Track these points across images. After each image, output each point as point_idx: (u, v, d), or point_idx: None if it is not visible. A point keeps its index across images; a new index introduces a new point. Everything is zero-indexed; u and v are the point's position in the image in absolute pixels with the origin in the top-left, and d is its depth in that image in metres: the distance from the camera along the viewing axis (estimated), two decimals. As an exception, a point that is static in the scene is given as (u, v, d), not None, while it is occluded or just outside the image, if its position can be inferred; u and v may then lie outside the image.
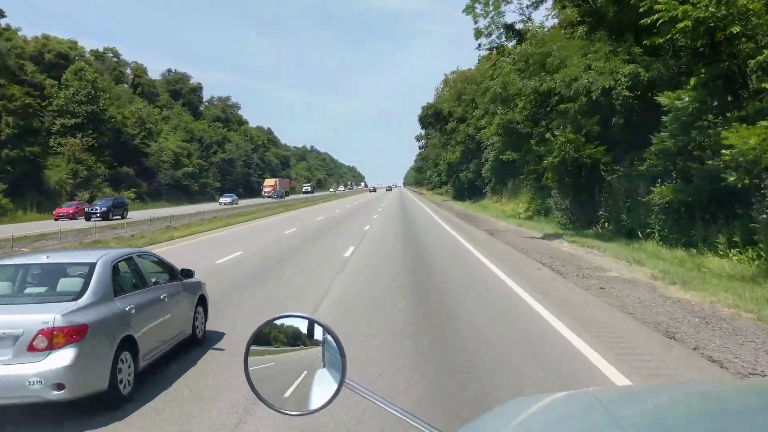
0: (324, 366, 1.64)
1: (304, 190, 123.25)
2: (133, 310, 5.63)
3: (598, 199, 20.52)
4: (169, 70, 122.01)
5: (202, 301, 7.45)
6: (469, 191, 55.07)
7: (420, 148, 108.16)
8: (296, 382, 1.64)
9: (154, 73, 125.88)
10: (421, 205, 49.68)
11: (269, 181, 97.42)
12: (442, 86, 53.94)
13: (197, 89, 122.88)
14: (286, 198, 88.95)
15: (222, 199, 72.39)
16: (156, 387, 5.57)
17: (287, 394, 1.62)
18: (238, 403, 4.98)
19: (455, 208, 43.77)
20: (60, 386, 4.63)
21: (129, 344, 5.38)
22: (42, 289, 5.61)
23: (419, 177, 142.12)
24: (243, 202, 71.99)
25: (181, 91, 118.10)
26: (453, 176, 59.79)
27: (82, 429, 4.64)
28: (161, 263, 7.03)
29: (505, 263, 13.18)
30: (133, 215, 43.97)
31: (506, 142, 32.29)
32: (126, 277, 6.10)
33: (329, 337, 1.64)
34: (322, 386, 1.60)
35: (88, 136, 62.40)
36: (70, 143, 57.91)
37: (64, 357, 4.68)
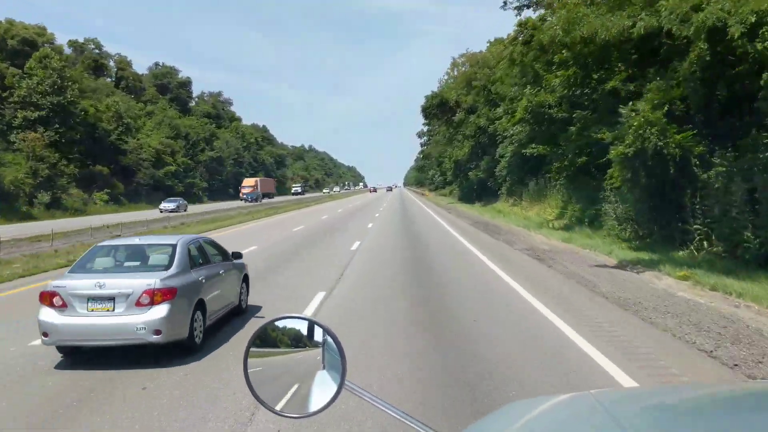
0: (324, 368, 1.62)
1: (293, 191, 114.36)
2: (203, 280, 7.42)
3: (690, 206, 14.16)
4: (156, 64, 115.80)
5: (246, 279, 9.24)
6: (478, 192, 48.67)
7: (422, 145, 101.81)
8: (296, 385, 1.63)
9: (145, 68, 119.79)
10: (426, 210, 43.28)
11: (248, 181, 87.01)
12: (449, 70, 47.59)
13: (186, 84, 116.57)
14: (271, 200, 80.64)
15: (163, 205, 54.51)
16: (217, 341, 7.38)
17: (287, 396, 1.61)
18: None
19: (466, 213, 37.38)
20: (158, 332, 6.40)
21: (200, 305, 7.14)
22: (137, 263, 7.33)
23: (420, 177, 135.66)
24: (215, 206, 62.23)
25: (168, 86, 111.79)
26: (460, 175, 53.38)
27: (170, 366, 6.38)
28: (217, 246, 8.80)
29: (637, 361, 6.04)
30: (72, 222, 36.87)
31: (534, 132, 25.91)
32: (196, 256, 7.70)
33: (329, 339, 1.62)
34: (322, 388, 1.58)
35: (52, 131, 55.98)
36: (29, 138, 51.43)
37: (161, 311, 6.43)
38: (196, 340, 6.95)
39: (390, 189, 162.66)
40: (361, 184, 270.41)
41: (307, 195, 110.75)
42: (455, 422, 4.50)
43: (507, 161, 35.82)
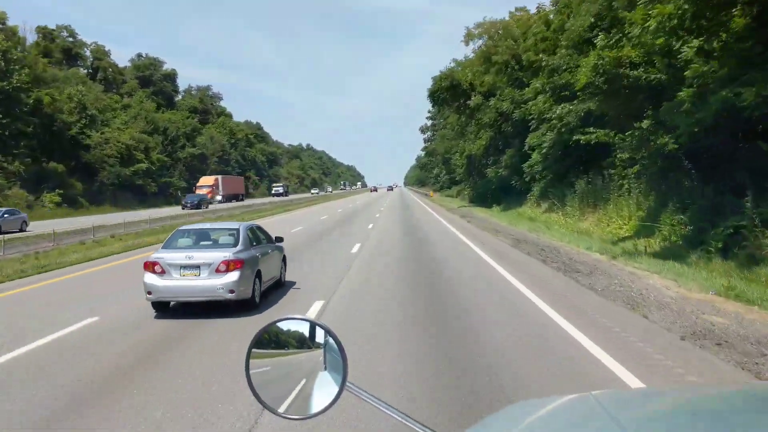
0: (325, 369, 1.62)
1: (273, 191, 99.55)
2: (259, 256, 9.76)
3: None
4: (139, 55, 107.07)
5: (284, 259, 11.73)
6: (496, 194, 40.05)
7: (425, 141, 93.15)
8: (298, 386, 1.63)
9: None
10: (435, 218, 34.61)
11: (206, 180, 71.82)
12: (463, 41, 38.89)
13: (171, 76, 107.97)
14: (240, 203, 65.47)
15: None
16: (269, 303, 9.77)
17: (289, 397, 1.61)
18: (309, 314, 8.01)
19: (490, 221, 28.81)
20: (232, 291, 8.69)
21: (258, 274, 9.43)
22: (210, 242, 9.67)
23: (423, 176, 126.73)
24: (155, 212, 42.83)
25: (151, 78, 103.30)
26: (473, 173, 44.72)
27: (238, 317, 8.64)
28: (264, 231, 11.16)
29: None
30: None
31: (606, 104, 17.34)
32: (252, 237, 9.98)
33: (330, 340, 1.63)
34: (324, 389, 1.59)
35: (-12, 121, 47.47)
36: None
37: (234, 276, 8.69)
38: (256, 299, 9.37)
39: (391, 188, 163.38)
40: (359, 183, 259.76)
41: (293, 196, 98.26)
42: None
43: (543, 153, 27.21)
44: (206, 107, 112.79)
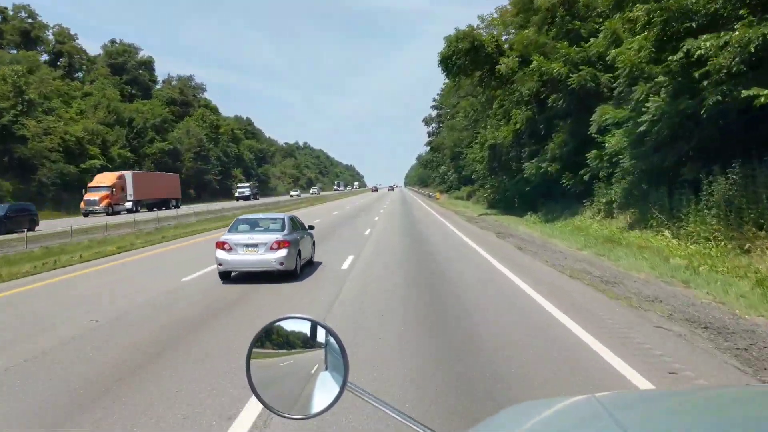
0: (326, 369, 1.62)
1: (237, 194, 78.03)
2: (299, 238, 12.72)
3: None
4: (112, 41, 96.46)
5: (314, 244, 14.64)
6: (529, 197, 29.54)
7: (429, 135, 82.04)
8: (299, 386, 1.63)
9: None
10: (456, 234, 23.99)
11: (101, 178, 49.37)
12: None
13: (147, 64, 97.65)
14: (165, 212, 44.11)
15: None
16: (305, 275, 12.61)
17: (290, 397, 1.61)
18: (335, 284, 11.52)
19: (552, 242, 18.10)
20: (281, 263, 11.63)
21: (299, 252, 12.39)
22: (263, 228, 12.58)
23: (426, 175, 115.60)
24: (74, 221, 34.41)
25: (125, 66, 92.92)
26: (497, 169, 33.82)
27: (285, 283, 11.50)
28: (300, 221, 14.08)
29: None
30: None
31: None
32: (292, 224, 12.93)
33: (332, 340, 1.62)
34: (325, 389, 1.58)
35: None
36: None
37: (283, 252, 11.64)
38: (297, 271, 12.37)
39: (391, 188, 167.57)
40: (356, 183, 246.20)
41: (268, 199, 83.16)
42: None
43: (635, 133, 16.62)
44: (187, 99, 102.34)
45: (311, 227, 14.72)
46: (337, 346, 1.59)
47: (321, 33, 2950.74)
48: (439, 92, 77.31)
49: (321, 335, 1.64)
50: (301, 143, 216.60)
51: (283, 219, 12.94)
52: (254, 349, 1.64)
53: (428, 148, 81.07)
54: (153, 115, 71.16)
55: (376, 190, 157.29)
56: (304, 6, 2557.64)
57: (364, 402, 1.56)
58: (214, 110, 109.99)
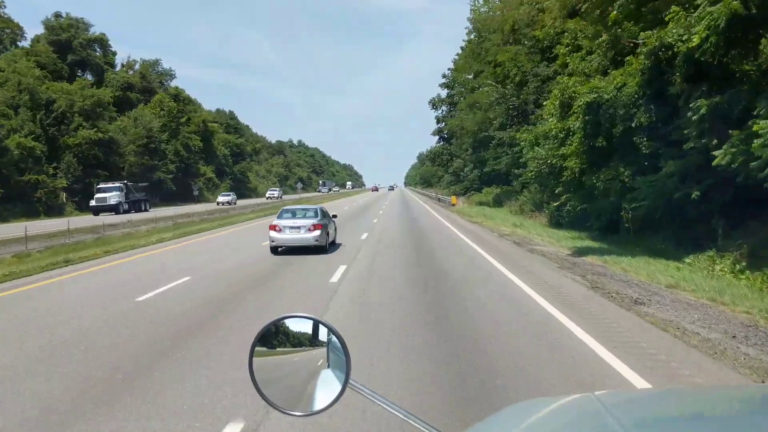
0: (328, 367, 1.63)
1: (92, 202, 54.61)
2: (329, 223, 17.40)
3: None
4: (57, 14, 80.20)
5: (336, 229, 18.77)
6: (673, 212, 13.49)
7: (438, 121, 64.94)
8: (301, 383, 1.64)
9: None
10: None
11: None
12: None
13: (101, 42, 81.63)
14: None
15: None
16: (332, 250, 16.84)
17: (292, 395, 1.63)
18: (349, 254, 16.04)
19: None
20: (317, 241, 16.01)
21: (328, 233, 16.80)
22: (303, 215, 16.87)
23: (431, 173, 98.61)
24: None
25: (71, 44, 76.86)
26: (604, 154, 17.10)
27: (318, 254, 15.79)
28: (326, 211, 18.32)
29: None
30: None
31: None
32: (322, 213, 17.35)
33: (334, 338, 1.63)
34: (327, 387, 1.59)
35: None
36: None
37: (317, 233, 16.00)
38: (327, 246, 16.58)
39: (392, 188, 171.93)
40: (349, 184, 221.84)
41: (188, 210, 47.78)
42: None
43: None
44: (150, 85, 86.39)
45: (335, 216, 19.67)
46: (339, 344, 1.60)
47: (319, 33, 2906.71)
48: (449, 70, 61.23)
49: (323, 334, 1.65)
50: (294, 140, 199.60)
51: (316, 209, 17.72)
52: (257, 348, 1.64)
53: (436, 139, 64.52)
54: (82, 96, 54.82)
55: (377, 189, 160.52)
56: (301, 4, 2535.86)
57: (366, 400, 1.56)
58: (187, 100, 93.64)
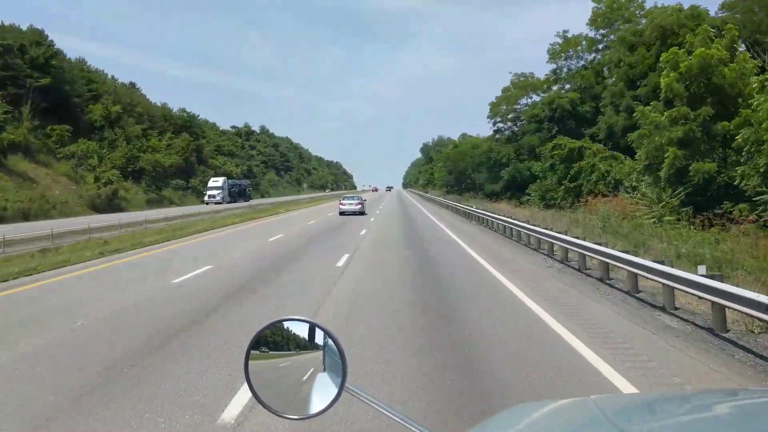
0: (324, 370, 1.61)
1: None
2: (365, 200, 46.67)
3: None
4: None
5: (364, 205, 43.33)
6: None
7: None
8: (297, 387, 1.62)
9: None
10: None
11: None
12: None
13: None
14: None
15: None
16: (370, 214, 39.53)
17: (288, 398, 1.60)
18: (371, 220, 33.86)
19: None
20: (361, 209, 40.58)
21: (364, 206, 42.21)
22: (354, 196, 47.09)
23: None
24: None
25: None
26: None
27: (363, 217, 36.92)
28: (360, 197, 47.83)
29: None
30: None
31: None
32: (361, 197, 46.32)
33: (330, 341, 1.61)
34: (323, 390, 1.57)
35: None
36: None
37: (362, 204, 41.51)
38: (366, 213, 39.51)
39: (389, 189, 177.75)
40: (328, 189, 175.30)
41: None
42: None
43: None
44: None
45: (364, 199, 43.77)
46: (335, 347, 1.57)
47: (317, 33, 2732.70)
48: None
49: (319, 337, 1.63)
50: (256, 128, 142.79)
51: (360, 197, 44.19)
52: (252, 351, 1.62)
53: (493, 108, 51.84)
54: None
55: (376, 190, 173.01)
56: (300, 4, 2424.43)
57: (362, 403, 1.55)
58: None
